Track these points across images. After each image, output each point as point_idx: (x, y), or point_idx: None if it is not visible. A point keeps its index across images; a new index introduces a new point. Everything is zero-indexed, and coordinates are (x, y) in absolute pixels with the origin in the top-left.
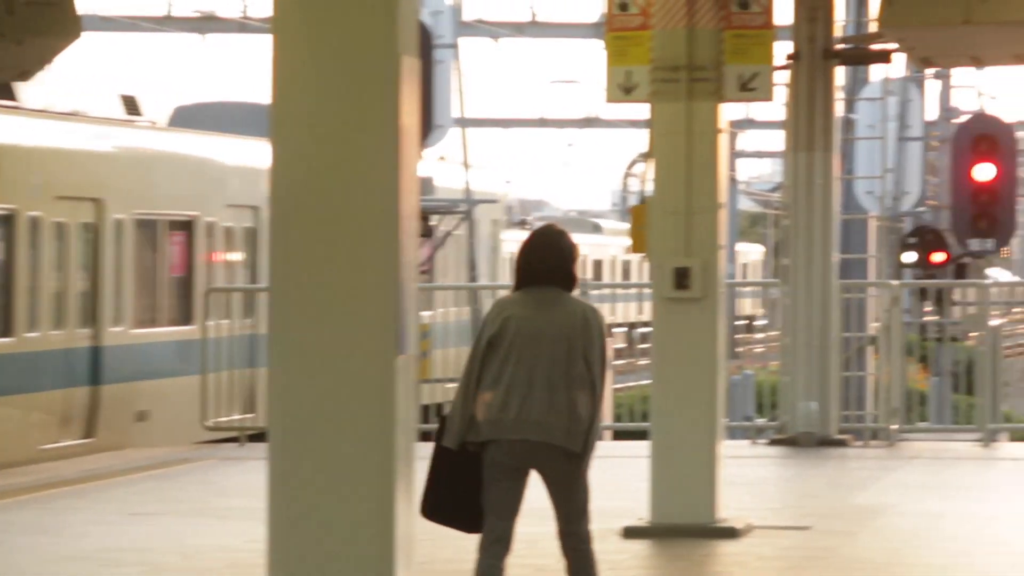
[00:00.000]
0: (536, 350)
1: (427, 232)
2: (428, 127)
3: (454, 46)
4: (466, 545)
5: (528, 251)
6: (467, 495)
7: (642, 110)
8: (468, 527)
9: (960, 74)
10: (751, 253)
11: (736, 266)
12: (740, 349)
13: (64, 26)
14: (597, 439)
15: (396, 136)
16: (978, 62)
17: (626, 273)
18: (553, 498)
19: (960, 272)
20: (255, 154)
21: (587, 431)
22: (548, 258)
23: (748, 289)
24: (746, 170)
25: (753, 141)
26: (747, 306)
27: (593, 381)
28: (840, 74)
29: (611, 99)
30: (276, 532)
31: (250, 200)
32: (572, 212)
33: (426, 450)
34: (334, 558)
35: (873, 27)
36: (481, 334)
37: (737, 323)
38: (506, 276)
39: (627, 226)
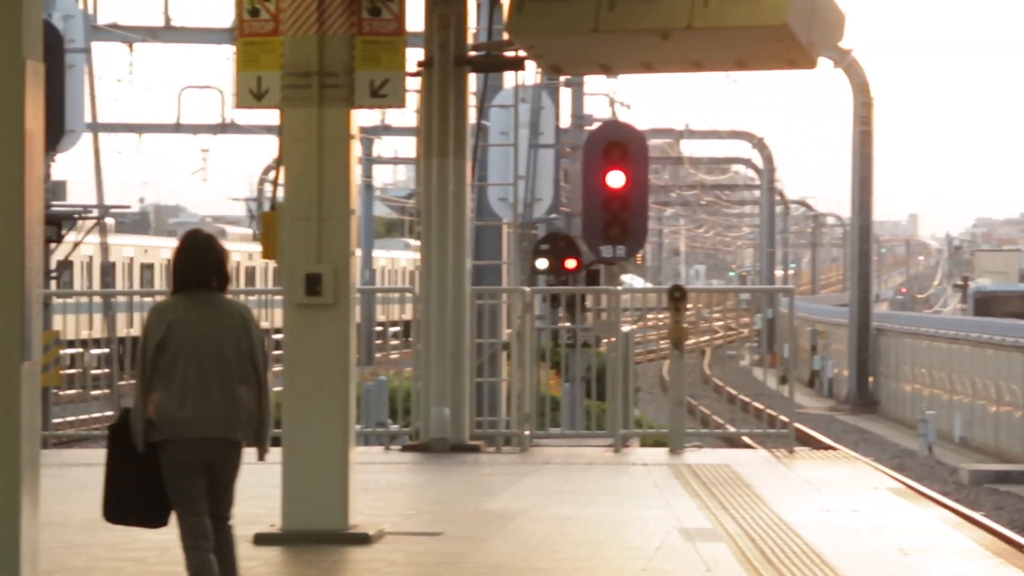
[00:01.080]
0: (204, 350)
1: (57, 238)
2: (59, 132)
3: (87, 50)
4: (96, 553)
5: (183, 256)
6: (148, 492)
7: (275, 116)
8: (152, 523)
9: (594, 82)
10: None
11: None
12: (379, 355)
13: None
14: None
15: (20, 141)
16: (608, 70)
17: (251, 279)
18: (217, 489)
19: (592, 278)
20: None
21: (259, 425)
22: (204, 262)
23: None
24: (382, 176)
25: (390, 147)
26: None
27: (259, 377)
28: (473, 80)
29: (241, 104)
30: None
31: None
32: (208, 218)
33: (54, 457)
34: None
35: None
36: (147, 339)
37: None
38: None
39: (252, 232)
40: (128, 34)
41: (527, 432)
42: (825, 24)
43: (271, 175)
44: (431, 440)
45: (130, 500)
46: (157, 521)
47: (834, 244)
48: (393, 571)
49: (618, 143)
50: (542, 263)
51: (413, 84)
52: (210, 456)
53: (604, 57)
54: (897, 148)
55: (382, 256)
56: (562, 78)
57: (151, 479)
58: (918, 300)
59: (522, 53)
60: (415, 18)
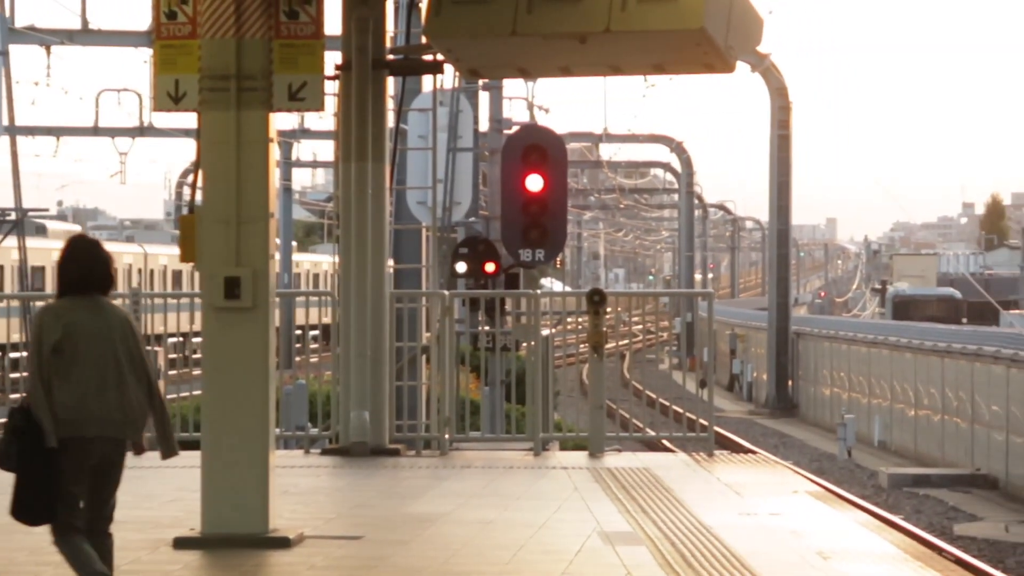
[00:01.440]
0: (101, 352)
1: None
2: None
3: (4, 53)
4: (16, 558)
5: (72, 260)
6: (47, 489)
7: (193, 119)
8: (41, 520)
9: (513, 85)
10: None
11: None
12: (299, 358)
13: None
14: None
15: None
16: (526, 74)
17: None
18: (106, 488)
19: (511, 282)
20: None
21: (159, 424)
22: (94, 266)
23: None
24: (301, 180)
25: (308, 150)
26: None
27: (150, 378)
28: (392, 84)
29: (159, 107)
30: None
31: None
32: (127, 221)
33: None
34: None
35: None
36: (41, 340)
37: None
38: None
39: None
40: (46, 37)
41: (447, 436)
42: (743, 28)
43: (190, 178)
44: (351, 444)
45: (35, 499)
46: (46, 518)
47: (753, 248)
48: (313, 575)
49: (537, 147)
50: (461, 267)
51: (331, 87)
52: (105, 455)
53: (522, 61)
54: (815, 152)
55: (325, 260)
56: (481, 82)
57: (50, 477)
58: (837, 304)
59: (440, 56)
60: (333, 21)
